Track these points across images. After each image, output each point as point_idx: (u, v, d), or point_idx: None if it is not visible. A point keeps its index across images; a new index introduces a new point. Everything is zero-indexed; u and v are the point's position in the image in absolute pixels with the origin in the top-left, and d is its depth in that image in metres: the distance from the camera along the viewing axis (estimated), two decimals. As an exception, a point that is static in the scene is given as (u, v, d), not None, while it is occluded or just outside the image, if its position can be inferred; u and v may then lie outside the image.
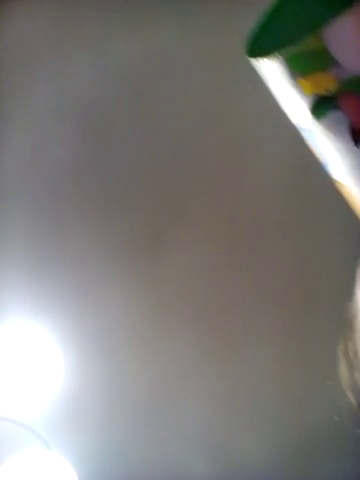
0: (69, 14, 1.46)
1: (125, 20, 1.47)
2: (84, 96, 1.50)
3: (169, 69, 1.48)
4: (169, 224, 1.53)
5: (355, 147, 0.64)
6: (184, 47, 1.46)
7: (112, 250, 1.54)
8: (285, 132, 1.47)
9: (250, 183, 1.50)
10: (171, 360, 1.59)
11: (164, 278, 1.55)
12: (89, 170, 1.52)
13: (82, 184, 1.52)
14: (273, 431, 1.62)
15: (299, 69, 0.60)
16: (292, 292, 1.54)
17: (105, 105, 1.50)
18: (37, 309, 1.57)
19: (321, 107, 0.62)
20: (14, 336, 1.58)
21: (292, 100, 0.64)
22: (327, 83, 0.60)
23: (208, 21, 1.45)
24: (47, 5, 1.46)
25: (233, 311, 1.56)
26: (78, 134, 1.51)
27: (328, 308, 1.55)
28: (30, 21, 1.46)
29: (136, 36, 1.47)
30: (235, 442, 1.64)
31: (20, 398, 1.60)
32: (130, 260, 1.54)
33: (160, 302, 1.56)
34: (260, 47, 0.62)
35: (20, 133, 1.51)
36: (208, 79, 1.47)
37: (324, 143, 0.65)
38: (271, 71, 0.63)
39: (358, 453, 1.60)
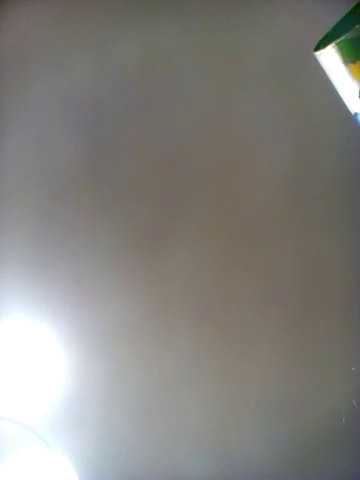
0: (69, 14, 1.46)
1: (125, 20, 1.47)
2: (84, 96, 1.50)
3: (169, 69, 1.48)
4: (170, 223, 1.53)
5: None
6: (184, 47, 1.46)
7: (113, 249, 1.54)
8: (285, 131, 1.47)
9: (251, 182, 1.50)
10: (172, 360, 1.59)
11: (165, 277, 1.55)
12: (89, 169, 1.52)
13: (82, 183, 1.52)
14: (274, 431, 1.62)
15: (349, 55, 0.73)
16: (293, 291, 1.54)
17: (105, 105, 1.50)
18: (37, 309, 1.57)
19: None
20: (14, 336, 1.58)
21: (347, 87, 0.77)
22: None
23: (208, 22, 1.45)
24: (47, 5, 1.46)
25: (234, 310, 1.56)
26: (78, 133, 1.51)
27: (329, 308, 1.55)
28: (30, 21, 1.46)
29: (136, 36, 1.47)
30: (236, 442, 1.64)
31: (20, 398, 1.60)
32: (131, 259, 1.54)
33: (161, 301, 1.56)
34: (322, 43, 0.76)
35: (20, 133, 1.51)
36: (208, 78, 1.47)
37: None
38: (329, 61, 0.76)
39: (358, 453, 1.60)
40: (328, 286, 1.53)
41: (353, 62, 0.74)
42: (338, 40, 0.73)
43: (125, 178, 1.52)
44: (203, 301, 1.55)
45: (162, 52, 1.47)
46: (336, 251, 1.51)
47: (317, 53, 0.77)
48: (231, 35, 1.44)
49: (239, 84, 1.46)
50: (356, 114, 0.80)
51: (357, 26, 0.72)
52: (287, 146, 1.47)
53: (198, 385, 1.60)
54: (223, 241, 1.52)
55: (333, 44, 0.74)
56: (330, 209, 1.49)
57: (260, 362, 1.58)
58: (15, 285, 1.56)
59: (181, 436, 1.64)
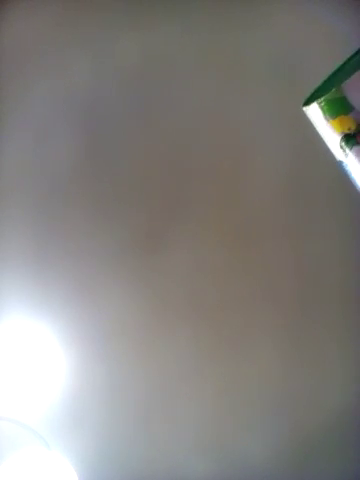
0: (69, 14, 1.46)
1: (125, 20, 1.47)
2: (84, 96, 1.50)
3: (169, 69, 1.47)
4: (170, 223, 1.53)
5: None
6: (184, 47, 1.46)
7: (113, 249, 1.54)
8: (285, 132, 1.47)
9: (251, 182, 1.50)
10: (171, 360, 1.59)
11: (165, 277, 1.55)
12: (89, 169, 1.52)
13: (82, 183, 1.52)
14: (274, 431, 1.62)
15: (329, 113, 0.88)
16: (293, 291, 1.54)
17: (105, 105, 1.50)
18: (38, 309, 1.57)
19: (348, 142, 0.88)
20: (15, 336, 1.58)
21: (330, 138, 0.90)
22: (349, 124, 0.87)
23: (208, 22, 1.45)
24: (47, 5, 1.46)
25: (234, 310, 1.56)
26: (79, 133, 1.51)
27: (329, 308, 1.55)
28: (30, 21, 1.46)
29: (136, 36, 1.47)
30: (235, 442, 1.64)
31: (20, 398, 1.60)
32: (131, 259, 1.54)
33: (161, 301, 1.56)
34: (309, 100, 0.89)
35: (20, 133, 1.51)
36: (208, 78, 1.47)
37: (356, 172, 0.90)
38: (314, 116, 0.89)
39: (358, 453, 1.60)
40: (328, 286, 1.53)
41: (333, 119, 0.88)
42: (319, 100, 0.87)
43: (125, 178, 1.52)
44: (203, 301, 1.55)
45: (162, 52, 1.47)
46: (336, 251, 1.51)
47: (304, 108, 0.90)
48: (231, 35, 1.44)
49: (239, 84, 1.46)
50: (340, 162, 0.92)
51: (334, 89, 0.86)
52: (287, 146, 1.47)
53: (198, 385, 1.60)
54: (223, 241, 1.52)
55: (315, 103, 0.88)
56: (330, 209, 1.49)
57: (260, 362, 1.58)
58: (15, 285, 1.56)
59: (181, 436, 1.64)
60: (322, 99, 0.87)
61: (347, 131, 0.87)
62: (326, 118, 0.88)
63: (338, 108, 0.87)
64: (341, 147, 0.89)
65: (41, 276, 1.55)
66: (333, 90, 0.87)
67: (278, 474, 1.63)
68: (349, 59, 0.91)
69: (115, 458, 1.65)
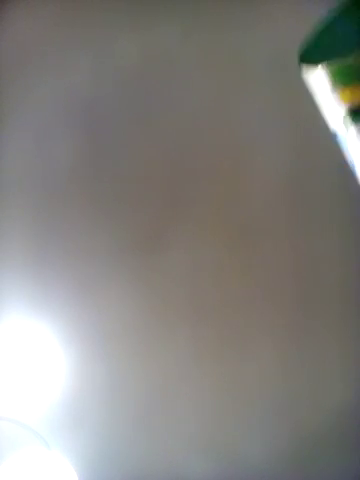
0: (69, 14, 1.46)
1: (125, 20, 1.47)
2: (85, 96, 1.50)
3: (169, 69, 1.48)
4: (170, 223, 1.53)
5: None
6: (184, 47, 1.46)
7: (113, 249, 1.54)
8: (286, 132, 1.47)
9: (251, 182, 1.50)
10: (171, 360, 1.59)
11: (165, 277, 1.55)
12: (90, 169, 1.52)
13: (82, 183, 1.52)
14: (274, 431, 1.62)
15: (341, 80, 0.73)
16: (293, 291, 1.54)
17: (106, 105, 1.50)
18: (38, 309, 1.57)
19: (355, 115, 0.75)
20: (15, 336, 1.58)
21: (331, 107, 0.77)
22: None
23: (208, 22, 1.45)
24: (47, 5, 1.46)
25: (234, 310, 1.56)
26: (79, 133, 1.51)
27: (329, 308, 1.55)
28: (30, 21, 1.46)
29: (137, 37, 1.47)
30: (235, 442, 1.64)
31: (20, 398, 1.60)
32: (131, 259, 1.54)
33: (161, 301, 1.56)
34: (311, 56, 0.74)
35: (20, 133, 1.51)
36: (208, 78, 1.47)
37: (354, 148, 0.78)
38: (317, 78, 0.75)
39: (358, 453, 1.60)
40: (328, 286, 1.53)
41: (344, 86, 0.74)
42: (330, 64, 0.73)
43: (125, 178, 1.52)
44: (203, 301, 1.55)
45: (162, 52, 1.47)
46: (335, 251, 1.51)
47: (305, 69, 0.77)
48: (231, 35, 1.44)
49: (239, 84, 1.46)
50: (335, 134, 0.81)
51: (354, 55, 0.72)
52: (287, 146, 1.47)
53: (198, 385, 1.61)
54: (223, 241, 1.52)
55: (325, 65, 0.73)
56: (329, 209, 1.49)
57: (260, 362, 1.58)
58: (15, 285, 1.56)
59: (181, 436, 1.64)
60: (338, 65, 0.72)
61: (357, 103, 0.75)
62: (335, 85, 0.74)
63: (353, 76, 0.73)
64: (344, 119, 0.77)
65: (41, 276, 1.55)
66: (352, 56, 0.72)
67: (278, 474, 1.63)
68: (344, 10, 0.78)
69: (115, 458, 1.65)
